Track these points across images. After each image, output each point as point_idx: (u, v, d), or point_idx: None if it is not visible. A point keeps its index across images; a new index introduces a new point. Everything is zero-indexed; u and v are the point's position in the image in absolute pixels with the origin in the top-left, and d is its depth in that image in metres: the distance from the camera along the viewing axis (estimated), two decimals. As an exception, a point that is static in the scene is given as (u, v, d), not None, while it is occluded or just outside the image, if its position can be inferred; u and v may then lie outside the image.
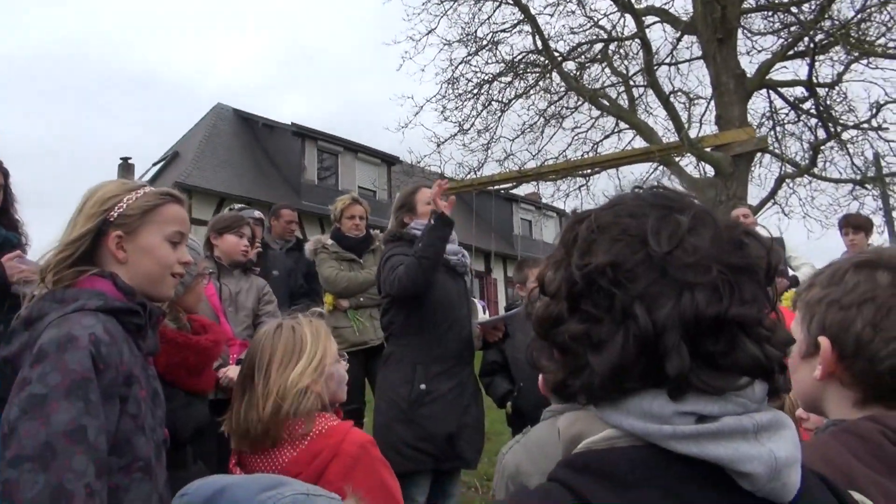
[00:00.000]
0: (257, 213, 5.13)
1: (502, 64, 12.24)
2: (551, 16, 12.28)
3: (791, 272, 5.36)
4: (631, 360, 0.69)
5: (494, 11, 12.10)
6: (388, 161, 21.44)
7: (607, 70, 12.14)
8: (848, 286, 1.08)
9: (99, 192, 1.69)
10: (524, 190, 18.66)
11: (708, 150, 9.74)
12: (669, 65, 12.17)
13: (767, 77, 10.80)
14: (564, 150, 12.45)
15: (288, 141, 20.66)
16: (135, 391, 1.55)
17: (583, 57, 12.28)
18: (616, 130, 12.45)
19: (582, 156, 12.25)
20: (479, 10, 12.13)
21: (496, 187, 13.07)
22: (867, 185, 10.89)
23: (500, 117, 12.44)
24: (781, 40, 11.04)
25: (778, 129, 11.70)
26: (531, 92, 12.41)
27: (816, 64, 10.32)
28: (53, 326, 1.48)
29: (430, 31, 12.12)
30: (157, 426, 1.64)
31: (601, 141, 12.60)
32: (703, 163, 10.38)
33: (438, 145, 12.09)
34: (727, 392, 0.69)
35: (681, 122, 10.97)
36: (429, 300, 3.34)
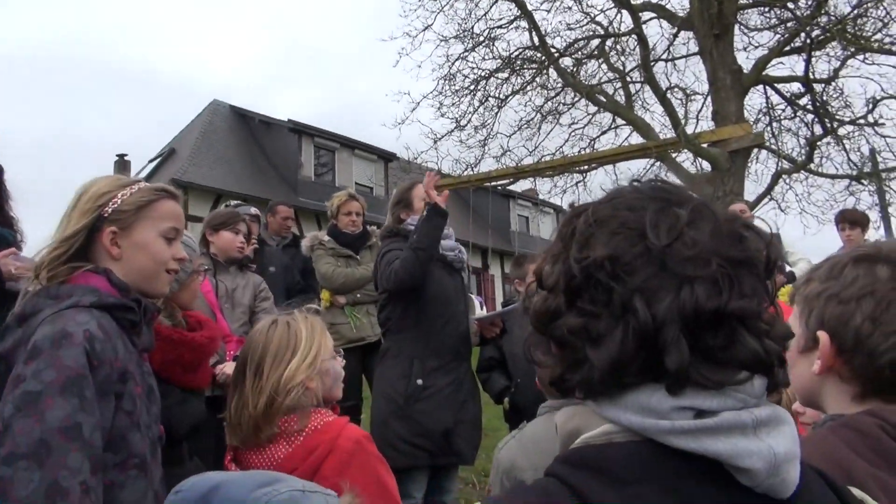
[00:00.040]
0: (253, 210, 5.12)
1: (499, 60, 12.22)
2: (548, 11, 12.18)
3: (787, 268, 5.36)
4: (630, 355, 0.68)
5: (491, 7, 12.07)
6: (385, 157, 21.42)
7: (604, 66, 12.12)
8: (847, 280, 1.08)
9: (93, 187, 1.68)
10: (521, 186, 18.70)
11: (705, 146, 9.74)
12: (666, 61, 12.16)
13: (764, 73, 10.79)
14: (561, 147, 12.47)
15: (284, 137, 20.63)
16: (130, 388, 1.54)
17: (579, 53, 12.26)
18: (613, 126, 12.44)
19: (579, 152, 12.24)
20: (476, 6, 12.11)
21: (493, 184, 13.02)
22: (863, 181, 10.90)
23: (496, 113, 12.42)
24: (778, 36, 11.03)
25: (774, 124, 11.70)
26: (528, 88, 12.39)
27: (813, 60, 10.33)
28: (48, 323, 1.47)
29: (426, 28, 12.09)
30: (152, 423, 1.64)
31: (598, 137, 12.60)
32: (699, 159, 10.37)
33: (435, 142, 12.08)
34: (726, 387, 0.68)
35: (678, 118, 10.96)
36: (426, 295, 3.34)
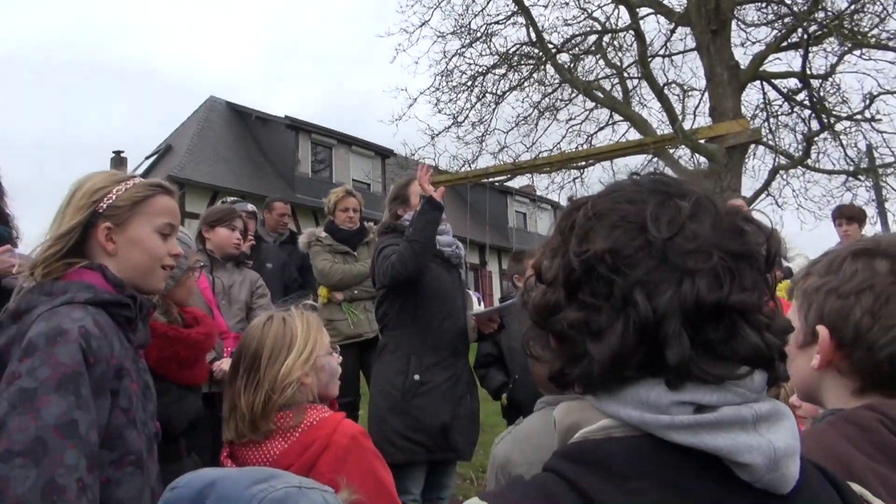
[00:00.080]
0: (250, 207, 5.11)
1: (496, 56, 12.22)
2: (545, 7, 12.21)
3: (785, 263, 5.37)
4: (630, 348, 0.68)
5: (488, 3, 12.09)
6: (383, 154, 21.41)
7: (601, 62, 12.13)
8: (846, 274, 1.07)
9: (87, 183, 1.66)
10: (519, 182, 18.65)
11: (702, 141, 9.76)
12: (663, 56, 12.17)
13: (761, 68, 10.82)
14: (559, 143, 12.49)
15: (281, 134, 20.59)
16: (126, 385, 1.53)
17: (577, 49, 12.26)
18: (610, 122, 12.46)
19: (576, 148, 12.25)
20: (473, 1, 12.12)
21: (491, 180, 13.06)
22: (860, 177, 10.94)
23: (494, 109, 12.44)
24: (775, 31, 11.05)
25: (771, 120, 11.73)
26: (525, 84, 12.40)
27: (810, 55, 10.36)
28: (42, 319, 1.46)
29: (423, 23, 12.10)
30: (148, 420, 1.63)
31: (595, 133, 12.63)
32: (697, 155, 10.39)
33: (432, 138, 12.09)
34: (726, 381, 0.68)
35: (675, 114, 10.96)
36: (423, 291, 3.34)
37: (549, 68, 12.01)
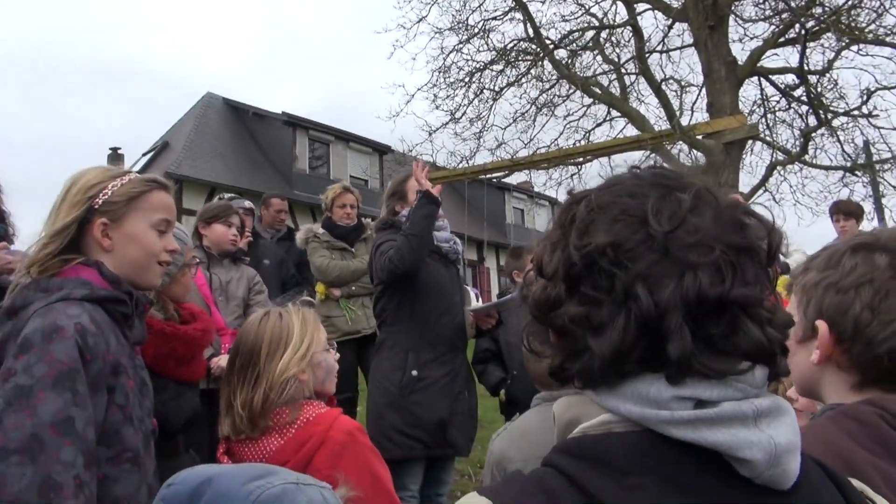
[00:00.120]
0: (247, 203, 5.10)
1: (494, 52, 12.20)
2: (543, 3, 12.20)
3: (782, 258, 5.38)
4: (632, 343, 0.67)
5: (486, -1, 12.04)
6: (380, 150, 21.38)
7: (599, 58, 12.13)
8: (845, 269, 1.07)
9: (82, 179, 1.65)
10: (516, 178, 18.66)
11: (699, 137, 9.76)
12: (661, 52, 12.15)
13: (759, 64, 10.81)
14: (556, 139, 12.47)
15: (279, 130, 20.56)
16: (122, 381, 1.53)
17: (574, 45, 12.25)
18: (608, 118, 12.45)
19: (574, 144, 12.25)
20: (471, -3, 12.07)
21: (488, 176, 13.04)
22: (857, 172, 10.96)
23: (491, 106, 12.42)
24: (773, 27, 11.04)
25: (769, 116, 11.74)
26: (523, 80, 12.39)
27: (807, 51, 10.35)
28: (38, 316, 1.45)
29: (420, 19, 12.07)
30: (144, 416, 1.62)
31: (593, 129, 12.62)
32: (694, 150, 10.39)
33: (430, 134, 12.08)
34: (728, 376, 0.67)
35: (672, 110, 10.97)
36: (421, 287, 3.34)
37: (547, 64, 12.00)
